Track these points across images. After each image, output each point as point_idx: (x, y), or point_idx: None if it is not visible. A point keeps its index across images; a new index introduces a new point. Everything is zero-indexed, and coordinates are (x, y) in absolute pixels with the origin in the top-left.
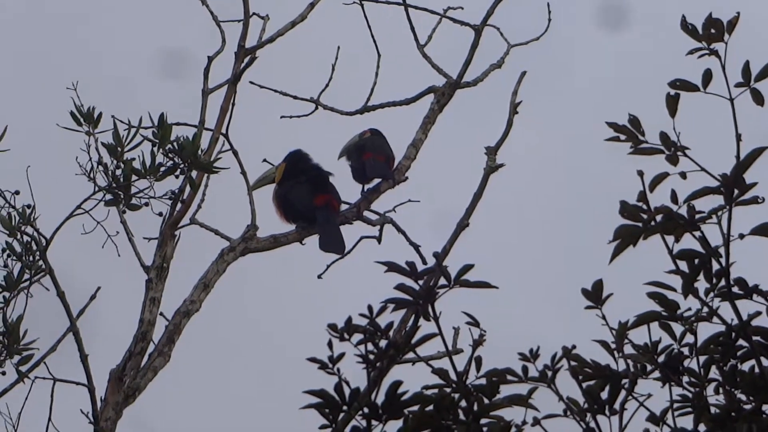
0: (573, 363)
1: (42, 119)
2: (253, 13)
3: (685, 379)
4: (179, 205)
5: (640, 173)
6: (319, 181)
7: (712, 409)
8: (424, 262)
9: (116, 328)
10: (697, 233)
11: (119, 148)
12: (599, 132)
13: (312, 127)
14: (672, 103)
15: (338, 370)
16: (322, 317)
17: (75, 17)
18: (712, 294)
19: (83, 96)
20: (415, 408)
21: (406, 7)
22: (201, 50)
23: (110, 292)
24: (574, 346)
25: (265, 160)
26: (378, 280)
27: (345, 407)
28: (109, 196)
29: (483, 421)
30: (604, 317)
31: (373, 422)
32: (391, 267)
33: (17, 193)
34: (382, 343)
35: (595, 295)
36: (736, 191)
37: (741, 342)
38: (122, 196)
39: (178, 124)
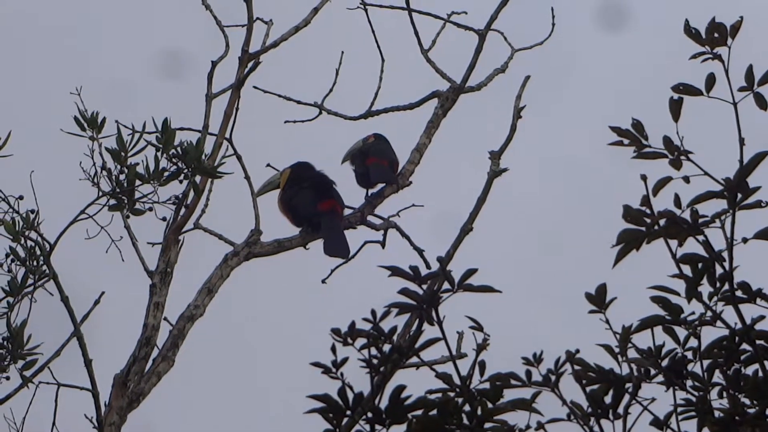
0: (576, 367)
1: (46, 124)
2: (257, 18)
3: (689, 383)
4: (183, 209)
5: (644, 177)
6: (322, 187)
7: (716, 413)
8: (428, 267)
9: (120, 333)
10: (701, 237)
11: (123, 153)
12: (603, 136)
13: (316, 131)
14: (675, 108)
15: (342, 374)
16: (326, 322)
17: (77, 20)
18: (715, 298)
19: (86, 99)
20: (419, 412)
21: (410, 11)
22: (204, 53)
23: (114, 297)
24: (577, 351)
25: (269, 165)
26: (382, 285)
27: (348, 412)
28: (112, 201)
29: (487, 425)
30: (607, 321)
31: (377, 427)
32: (395, 271)
33: (21, 198)
34: (386, 347)
35: (599, 299)
36: (739, 195)
37: (745, 346)
38: (126, 201)
39: (181, 129)
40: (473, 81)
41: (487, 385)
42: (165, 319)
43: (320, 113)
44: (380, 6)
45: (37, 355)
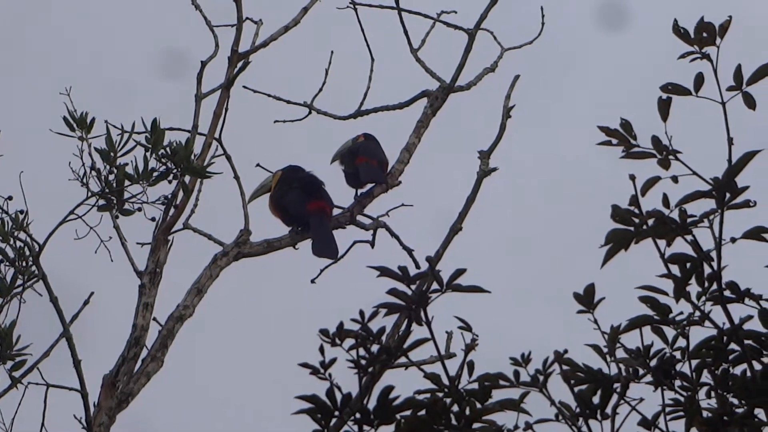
0: (565, 367)
1: (35, 124)
2: (247, 18)
3: (677, 383)
4: (172, 210)
5: (632, 177)
6: (311, 187)
7: (704, 413)
8: (417, 267)
9: (109, 334)
10: (689, 237)
11: (112, 153)
12: (591, 136)
13: (305, 131)
14: (664, 107)
15: (330, 375)
16: (315, 322)
17: (69, 19)
18: (704, 298)
19: (78, 97)
20: (407, 413)
21: (400, 11)
22: (197, 51)
23: (103, 298)
24: (566, 351)
25: (258, 165)
26: (371, 285)
27: (337, 412)
28: (102, 202)
29: (475, 425)
30: (596, 321)
31: (365, 427)
32: (384, 272)
33: (10, 198)
34: (374, 348)
35: (587, 299)
36: (727, 195)
37: (733, 346)
38: (115, 202)
39: (171, 129)
40: (463, 80)
41: (475, 386)
42: (154, 319)
43: (310, 113)
44: (370, 5)
45: (26, 356)
